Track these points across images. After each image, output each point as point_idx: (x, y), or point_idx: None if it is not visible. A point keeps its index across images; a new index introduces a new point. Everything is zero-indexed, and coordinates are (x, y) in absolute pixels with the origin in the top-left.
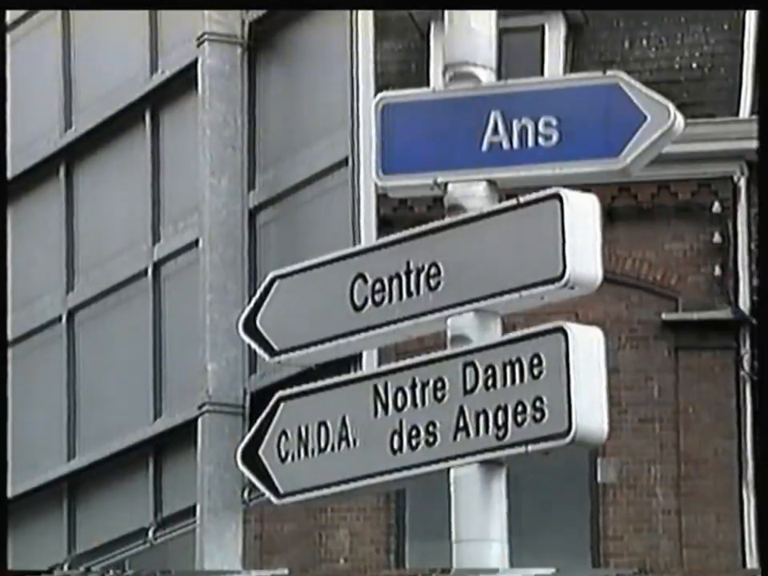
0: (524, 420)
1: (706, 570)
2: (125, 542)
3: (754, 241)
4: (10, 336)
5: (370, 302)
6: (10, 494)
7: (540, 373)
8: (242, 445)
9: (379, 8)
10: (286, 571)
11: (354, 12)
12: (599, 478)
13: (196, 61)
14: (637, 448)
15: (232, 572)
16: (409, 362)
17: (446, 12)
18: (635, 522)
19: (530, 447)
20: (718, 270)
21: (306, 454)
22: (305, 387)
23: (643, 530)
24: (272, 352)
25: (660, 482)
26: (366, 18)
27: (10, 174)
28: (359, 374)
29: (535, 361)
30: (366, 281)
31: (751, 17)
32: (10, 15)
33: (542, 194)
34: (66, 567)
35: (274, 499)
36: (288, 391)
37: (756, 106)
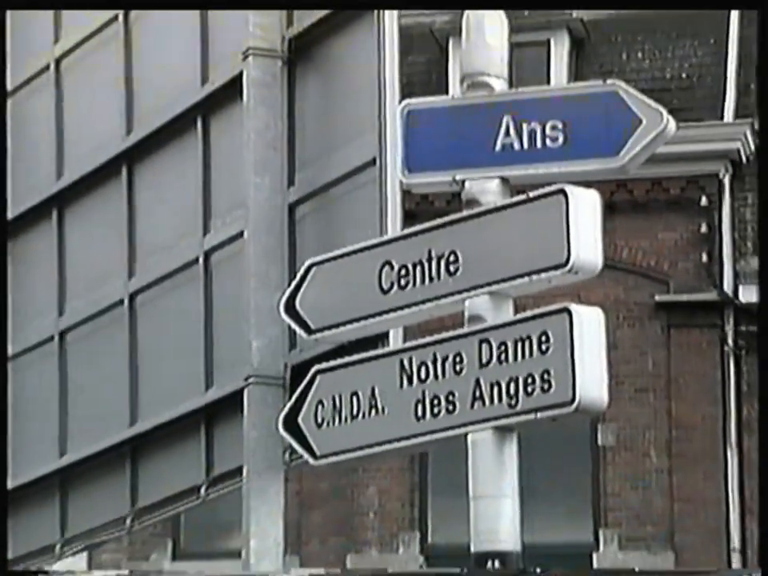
0: (533, 390)
1: (706, 567)
2: (180, 498)
3: (738, 231)
4: (74, 319)
5: (395, 286)
6: (82, 453)
7: (548, 348)
8: (283, 413)
9: (397, 7)
10: (322, 571)
11: (381, 28)
12: (599, 441)
13: (241, 73)
14: (633, 415)
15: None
16: (431, 339)
17: (464, 28)
18: (631, 480)
19: (539, 414)
20: (704, 257)
21: (340, 420)
22: (338, 361)
23: (638, 487)
24: (309, 330)
25: (653, 445)
26: (391, 34)
27: (78, 175)
28: (386, 349)
29: (543, 338)
30: (392, 267)
31: (734, 32)
32: (78, 32)
33: (548, 189)
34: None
35: (311, 461)
36: (323, 365)
37: (739, 111)
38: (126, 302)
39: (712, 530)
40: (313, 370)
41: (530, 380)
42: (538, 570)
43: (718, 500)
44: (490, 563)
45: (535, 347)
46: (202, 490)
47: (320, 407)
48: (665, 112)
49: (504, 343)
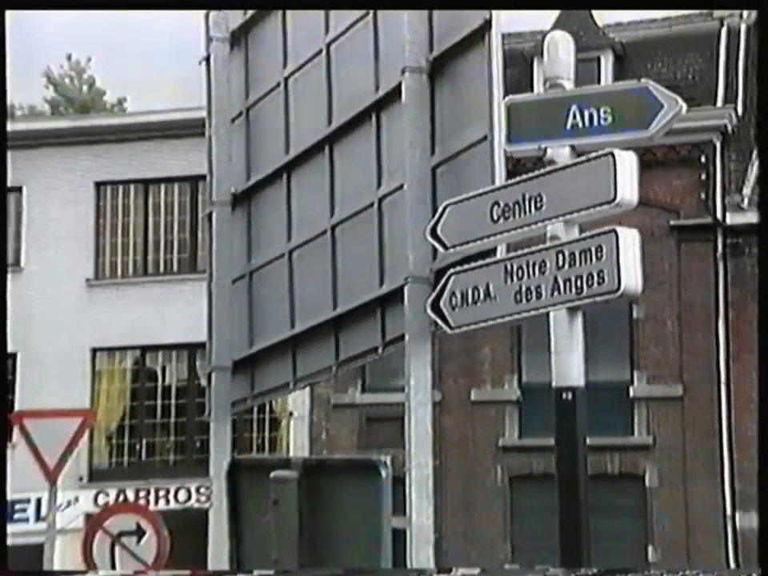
0: (592, 283)
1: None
2: (366, 354)
3: (725, 177)
4: (297, 243)
5: (501, 217)
6: (305, 326)
7: (601, 256)
8: (430, 300)
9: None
10: None
11: (490, 51)
12: (634, 315)
13: (400, 83)
14: (656, 299)
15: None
16: (524, 251)
17: (545, 48)
18: (654, 339)
19: (596, 299)
20: (703, 195)
21: (466, 305)
22: (464, 266)
23: (659, 343)
24: (445, 247)
25: (669, 317)
26: (497, 55)
27: (299, 151)
28: (495, 258)
29: (598, 249)
30: (499, 205)
31: (723, 46)
32: (299, 58)
33: (602, 152)
34: (334, 369)
35: (448, 330)
36: (455, 269)
37: (726, 99)
38: (329, 232)
39: (709, 367)
40: (448, 273)
41: (590, 277)
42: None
43: (711, 349)
44: (564, 395)
45: (593, 255)
46: (380, 350)
47: (453, 296)
48: (679, 99)
49: (573, 253)
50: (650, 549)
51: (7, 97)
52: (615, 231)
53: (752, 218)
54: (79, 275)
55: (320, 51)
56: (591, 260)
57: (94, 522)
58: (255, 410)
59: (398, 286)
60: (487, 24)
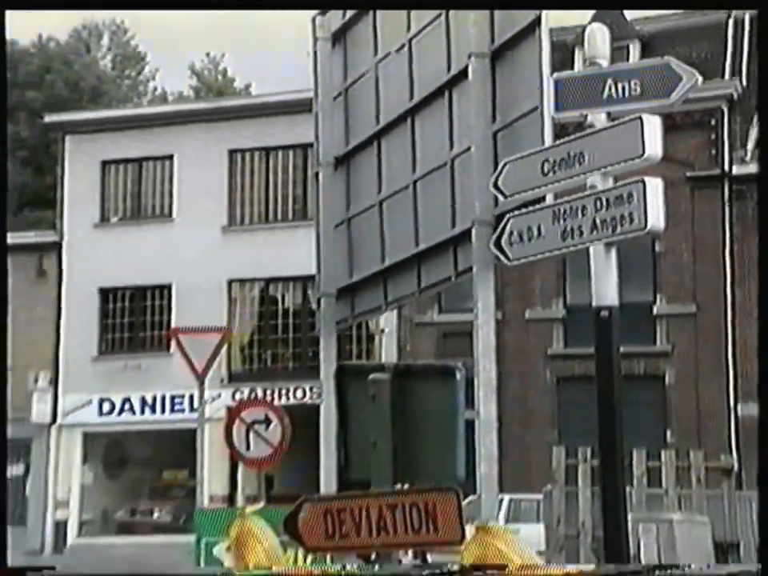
0: (624, 223)
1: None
2: (442, 282)
3: (731, 137)
4: (385, 195)
5: (550, 171)
6: (394, 261)
7: (631, 201)
8: (493, 239)
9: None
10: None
11: (540, 41)
12: (656, 249)
13: (467, 66)
14: (674, 234)
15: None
16: (568, 197)
17: (586, 37)
18: (674, 267)
19: (628, 236)
20: (713, 151)
21: (522, 242)
22: (521, 210)
23: (677, 270)
24: (505, 196)
25: (685, 249)
26: (546, 41)
27: (388, 120)
28: (545, 204)
29: (629, 195)
30: (548, 161)
31: (729, 31)
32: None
33: (632, 117)
34: (417, 294)
35: (507, 263)
36: (514, 213)
37: (732, 74)
38: (411, 185)
39: (717, 289)
40: (507, 216)
41: (622, 218)
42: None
43: (719, 275)
44: (602, 312)
45: (626, 200)
46: (453, 279)
47: (511, 235)
48: (695, 72)
49: (608, 199)
50: (668, 432)
51: (7, 97)
52: (643, 180)
53: (753, 168)
54: (217, 223)
55: (403, 45)
56: (623, 204)
57: (232, 413)
58: (354, 327)
59: (466, 227)
60: (538, 19)
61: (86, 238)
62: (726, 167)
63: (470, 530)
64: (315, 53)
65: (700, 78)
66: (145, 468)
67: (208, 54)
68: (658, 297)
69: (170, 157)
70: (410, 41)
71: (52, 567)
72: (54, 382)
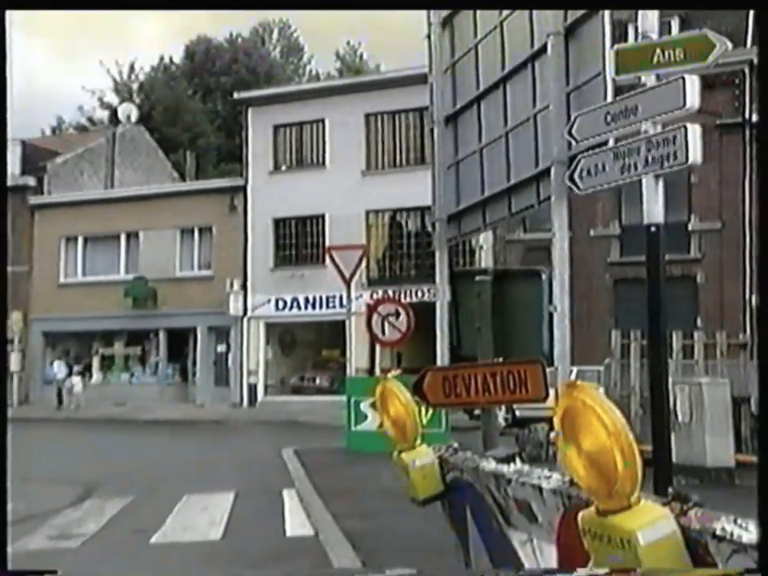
0: (669, 159)
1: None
2: (526, 210)
3: (752, 94)
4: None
5: (612, 121)
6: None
7: (676, 142)
8: (567, 174)
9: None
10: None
11: (603, 23)
12: (692, 180)
13: (546, 42)
14: (706, 169)
15: None
16: (625, 141)
17: (639, 18)
18: (705, 193)
19: (673, 169)
20: (737, 104)
21: (589, 176)
22: (589, 152)
23: (707, 195)
24: (576, 141)
25: (714, 179)
26: (608, 19)
27: (486, 86)
28: (607, 147)
29: (674, 138)
30: (610, 113)
31: (749, 13)
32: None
33: (676, 77)
34: (508, 218)
35: (578, 192)
36: (584, 154)
37: (753, 43)
38: (504, 135)
39: (738, 210)
40: (578, 156)
41: (668, 155)
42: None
43: (740, 198)
44: (652, 228)
45: (671, 141)
46: (535, 206)
47: (582, 171)
48: (726, 40)
49: (657, 141)
50: (698, 318)
51: (7, 96)
52: (685, 126)
53: None
54: (357, 168)
55: (495, 27)
56: (669, 145)
57: (371, 308)
58: (461, 244)
59: (546, 166)
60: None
61: (263, 182)
62: (747, 116)
63: (552, 392)
64: (429, 36)
65: (730, 45)
66: (308, 348)
67: (348, 43)
68: (692, 216)
69: (322, 120)
70: (500, 23)
71: (54, 571)
72: (244, 286)
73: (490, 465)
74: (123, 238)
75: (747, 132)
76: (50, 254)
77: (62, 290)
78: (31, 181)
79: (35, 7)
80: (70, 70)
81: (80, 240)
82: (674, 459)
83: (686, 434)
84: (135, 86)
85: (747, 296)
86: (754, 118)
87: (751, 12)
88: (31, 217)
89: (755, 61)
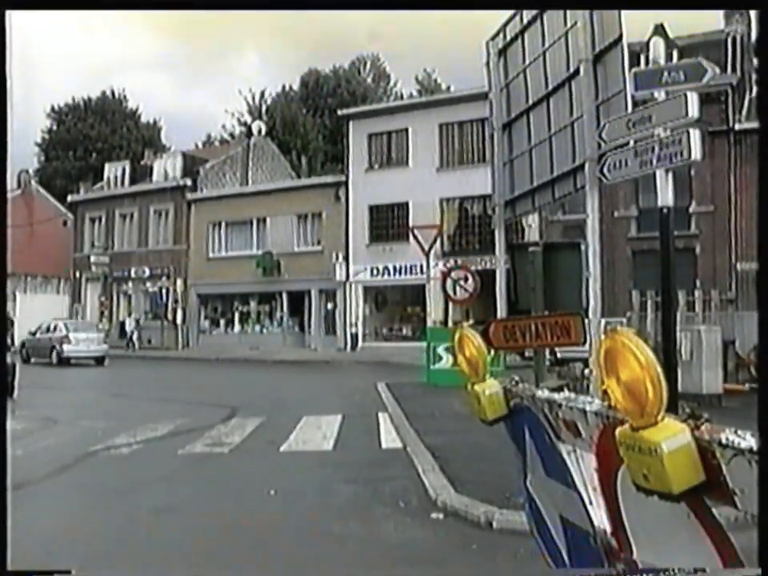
0: (677, 156)
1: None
2: (566, 196)
3: (734, 109)
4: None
5: (632, 127)
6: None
7: (681, 143)
8: (598, 168)
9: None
10: None
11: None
12: (692, 173)
13: (579, 67)
14: (702, 165)
15: None
16: (642, 142)
17: (651, 44)
18: (701, 183)
19: (680, 164)
20: (723, 116)
21: (615, 169)
22: (614, 151)
23: (702, 185)
24: (605, 142)
25: (708, 172)
26: (625, 50)
27: (533, 101)
28: (628, 147)
29: (680, 139)
30: (630, 121)
31: (728, 48)
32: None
33: (680, 93)
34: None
35: (606, 182)
36: (610, 152)
37: (731, 71)
38: (548, 140)
39: (725, 197)
40: (606, 155)
41: (676, 153)
42: None
43: (726, 188)
44: (664, 210)
45: (677, 143)
46: (573, 192)
47: (609, 165)
48: (716, 67)
49: (667, 142)
50: (697, 281)
51: (7, 96)
52: (688, 131)
53: (747, 126)
54: (433, 166)
55: (539, 55)
56: (676, 145)
57: (445, 274)
58: (514, 223)
59: (582, 162)
60: (620, 36)
61: (360, 178)
62: (731, 125)
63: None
64: (488, 63)
65: (718, 71)
66: (396, 305)
67: (425, 70)
68: (693, 202)
69: (406, 129)
70: (543, 53)
71: (68, 571)
72: (346, 258)
73: (544, 393)
74: (255, 222)
75: (732, 137)
76: (201, 236)
77: (210, 263)
78: (188, 182)
79: (35, 7)
80: (216, 99)
81: (223, 225)
82: (678, 388)
83: (687, 369)
84: (263, 108)
85: (733, 263)
86: (737, 126)
87: (729, 47)
88: (188, 209)
89: (735, 83)
